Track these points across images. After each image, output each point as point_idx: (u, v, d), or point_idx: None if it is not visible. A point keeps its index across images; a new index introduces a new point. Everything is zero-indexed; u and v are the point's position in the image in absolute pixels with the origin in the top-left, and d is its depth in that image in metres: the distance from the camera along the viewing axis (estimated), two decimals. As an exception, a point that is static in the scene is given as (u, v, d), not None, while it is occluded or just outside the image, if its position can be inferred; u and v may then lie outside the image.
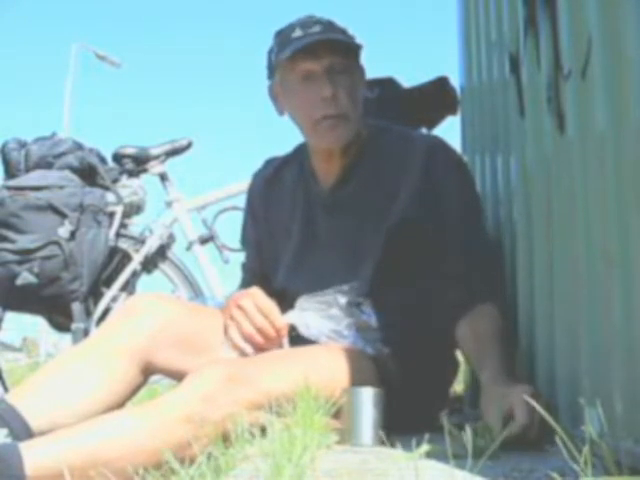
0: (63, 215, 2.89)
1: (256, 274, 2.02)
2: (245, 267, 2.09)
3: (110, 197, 3.07)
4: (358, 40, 1.86)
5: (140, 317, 1.78)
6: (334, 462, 1.23)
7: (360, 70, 1.88)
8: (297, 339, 1.78)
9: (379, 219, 1.81)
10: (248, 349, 1.72)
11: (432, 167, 1.81)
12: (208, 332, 1.79)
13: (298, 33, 1.79)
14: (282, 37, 1.82)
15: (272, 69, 1.87)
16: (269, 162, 2.08)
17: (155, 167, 3.26)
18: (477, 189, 1.93)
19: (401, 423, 1.50)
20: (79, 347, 1.81)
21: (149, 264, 3.23)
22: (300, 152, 1.98)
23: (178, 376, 1.72)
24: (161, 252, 3.24)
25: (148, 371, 1.78)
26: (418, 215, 1.79)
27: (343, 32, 1.84)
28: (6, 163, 3.01)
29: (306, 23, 1.81)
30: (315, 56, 1.78)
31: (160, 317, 1.78)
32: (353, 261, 1.82)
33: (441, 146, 1.87)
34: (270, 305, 1.74)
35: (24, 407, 1.61)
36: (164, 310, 1.80)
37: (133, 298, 1.94)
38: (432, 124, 2.46)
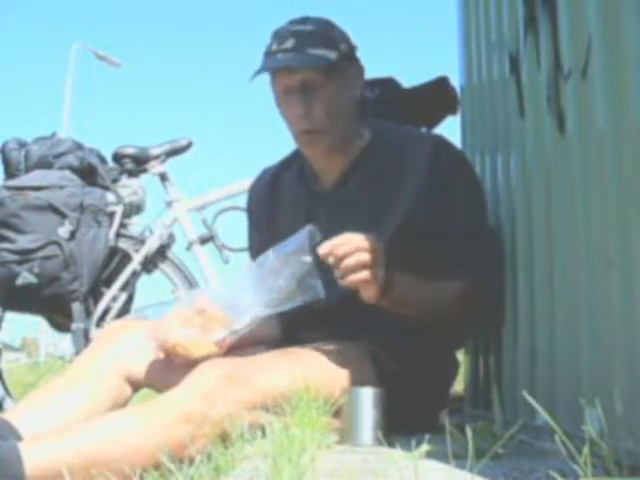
0: (63, 215, 2.89)
1: None
2: None
3: (110, 197, 3.07)
4: (344, 46, 1.83)
5: (117, 339, 1.79)
6: (334, 462, 1.23)
7: (347, 74, 1.84)
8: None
9: (381, 218, 1.81)
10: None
11: (439, 165, 1.81)
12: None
13: (274, 47, 1.80)
14: (267, 47, 1.83)
15: None
16: (266, 170, 2.08)
17: (155, 167, 3.25)
18: (482, 185, 1.94)
19: (401, 423, 1.50)
20: (65, 372, 1.83)
21: (149, 264, 3.23)
22: (300, 153, 1.97)
23: (164, 390, 1.73)
24: (161, 252, 3.23)
25: (134, 386, 1.79)
26: (423, 215, 1.79)
27: (323, 41, 1.80)
28: (6, 163, 3.00)
29: (283, 35, 1.80)
30: (289, 72, 1.79)
31: (133, 339, 1.78)
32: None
33: (446, 145, 1.88)
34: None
35: (16, 422, 1.61)
36: (136, 332, 1.80)
37: (107, 326, 1.95)
38: (432, 124, 2.45)
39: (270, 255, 1.66)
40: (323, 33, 1.82)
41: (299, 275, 1.62)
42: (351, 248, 1.56)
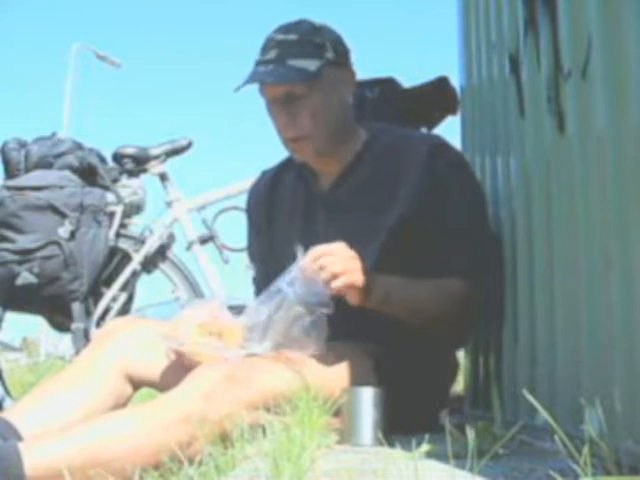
0: (63, 215, 2.89)
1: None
2: (255, 281, 2.09)
3: (110, 197, 3.06)
4: (331, 53, 1.81)
5: (117, 338, 1.79)
6: (334, 462, 1.23)
7: (334, 80, 1.82)
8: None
9: (378, 218, 1.82)
10: None
11: (435, 166, 1.81)
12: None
13: (259, 57, 1.81)
14: (257, 54, 1.83)
15: None
16: (265, 172, 2.09)
17: (155, 167, 3.25)
18: (481, 186, 1.94)
19: (401, 423, 1.50)
20: (66, 371, 1.82)
21: (149, 264, 3.23)
22: None
23: (164, 389, 1.73)
24: (161, 252, 3.23)
25: (134, 385, 1.78)
26: (419, 215, 1.80)
27: (306, 51, 1.79)
28: (6, 163, 3.00)
29: (267, 45, 1.81)
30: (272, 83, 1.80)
31: (134, 338, 1.78)
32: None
33: (444, 145, 1.88)
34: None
35: (16, 422, 1.61)
36: (137, 330, 1.81)
37: (106, 325, 1.94)
38: (432, 124, 2.45)
39: (287, 294, 1.63)
40: (308, 41, 1.81)
41: (309, 327, 1.62)
42: (332, 258, 1.60)
